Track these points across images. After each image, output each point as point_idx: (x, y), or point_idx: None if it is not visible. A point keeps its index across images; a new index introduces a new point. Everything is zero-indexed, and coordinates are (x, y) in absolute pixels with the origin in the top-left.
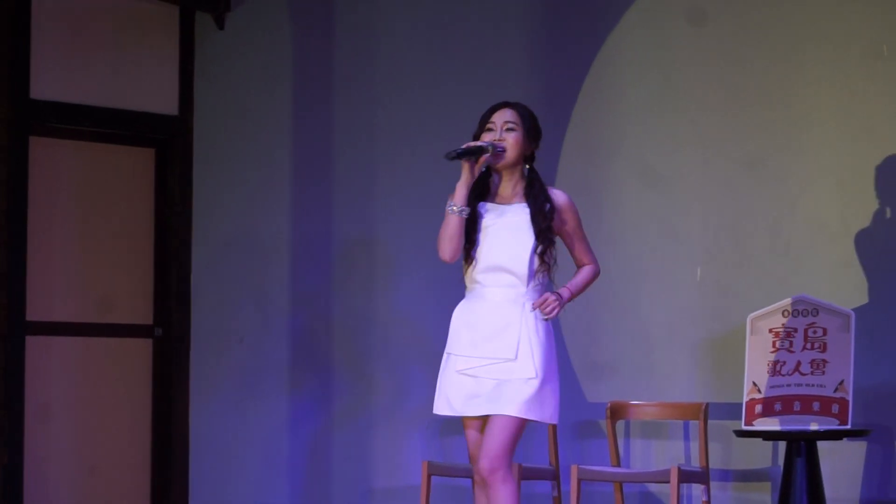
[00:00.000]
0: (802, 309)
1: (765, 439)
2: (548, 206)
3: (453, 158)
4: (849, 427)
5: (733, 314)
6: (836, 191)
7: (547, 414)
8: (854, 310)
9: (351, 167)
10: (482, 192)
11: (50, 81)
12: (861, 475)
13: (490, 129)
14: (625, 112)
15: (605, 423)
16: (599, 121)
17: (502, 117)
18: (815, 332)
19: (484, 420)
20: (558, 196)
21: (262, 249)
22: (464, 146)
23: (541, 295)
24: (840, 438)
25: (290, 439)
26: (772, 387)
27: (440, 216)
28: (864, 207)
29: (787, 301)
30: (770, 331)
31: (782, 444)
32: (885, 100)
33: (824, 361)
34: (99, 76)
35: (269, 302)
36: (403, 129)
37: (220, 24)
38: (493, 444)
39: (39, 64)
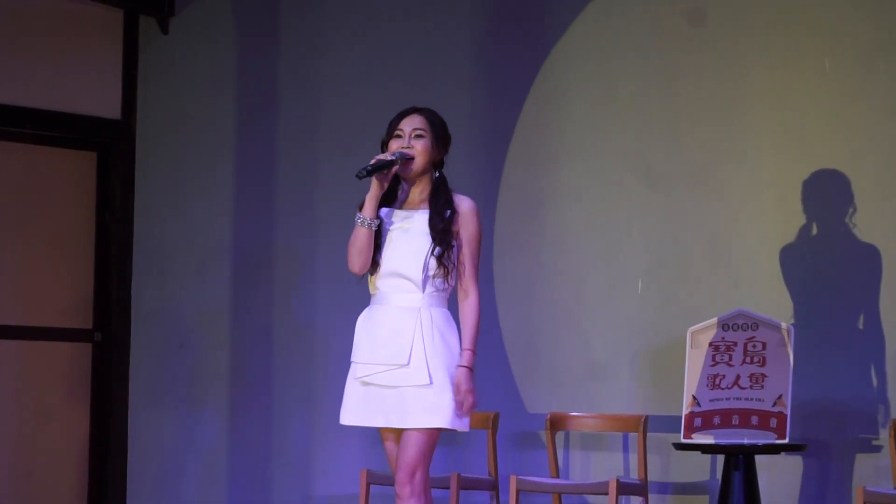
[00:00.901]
0: (742, 323)
1: (703, 452)
2: (448, 211)
3: (364, 177)
4: (787, 441)
5: (673, 327)
6: (776, 205)
7: (458, 421)
8: (793, 324)
9: (294, 173)
10: (389, 198)
11: None
12: (798, 489)
13: (398, 136)
14: (569, 123)
15: (544, 434)
16: (544, 131)
17: (411, 124)
18: (754, 346)
19: (398, 431)
20: (462, 202)
21: (203, 255)
22: (372, 162)
23: (439, 300)
24: (778, 452)
25: (230, 446)
26: (711, 400)
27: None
28: (803, 222)
29: (727, 315)
30: (710, 344)
31: (721, 458)
32: (825, 116)
33: (763, 375)
34: (41, 78)
35: (209, 308)
36: (347, 135)
37: (164, 29)
38: (405, 458)
39: None
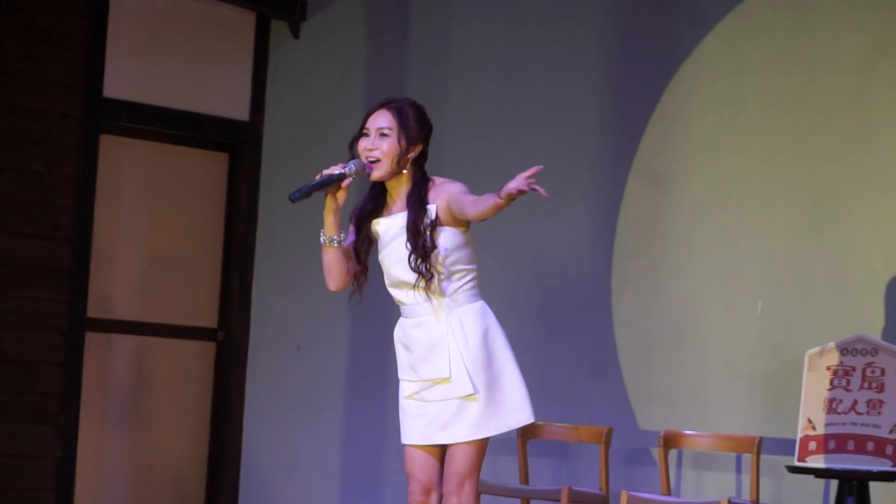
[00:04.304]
0: (861, 348)
1: (817, 477)
2: (422, 210)
3: (297, 201)
4: None
5: (791, 349)
6: None
7: (512, 420)
8: None
9: None
10: (378, 207)
11: (124, 81)
12: None
13: (365, 135)
14: (693, 143)
15: (656, 451)
16: (667, 150)
17: (376, 123)
18: (873, 372)
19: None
20: (437, 191)
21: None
22: (315, 181)
23: (468, 296)
24: (893, 480)
25: (343, 450)
26: (827, 424)
27: (505, 228)
28: None
29: (847, 339)
30: (828, 368)
31: (834, 483)
32: None
33: (881, 402)
34: (172, 78)
35: (328, 311)
36: (474, 145)
37: (296, 33)
38: (452, 469)
39: (114, 63)
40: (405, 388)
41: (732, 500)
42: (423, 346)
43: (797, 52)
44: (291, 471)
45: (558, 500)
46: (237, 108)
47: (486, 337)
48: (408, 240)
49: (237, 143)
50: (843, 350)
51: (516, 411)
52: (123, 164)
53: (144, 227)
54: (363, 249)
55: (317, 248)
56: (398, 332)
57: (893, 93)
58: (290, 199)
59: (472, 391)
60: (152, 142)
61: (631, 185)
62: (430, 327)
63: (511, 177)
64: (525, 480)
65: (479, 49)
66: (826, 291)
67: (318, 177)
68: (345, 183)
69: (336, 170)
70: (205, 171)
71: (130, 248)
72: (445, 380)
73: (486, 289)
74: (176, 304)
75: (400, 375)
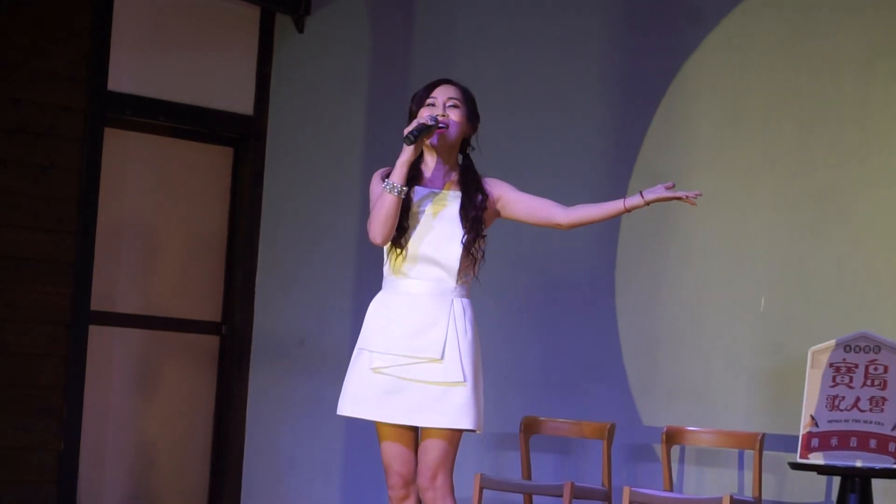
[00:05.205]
0: (864, 345)
1: (819, 473)
2: (480, 196)
3: (412, 142)
4: None
5: (795, 346)
6: None
7: (479, 422)
8: None
9: None
10: (412, 175)
11: (128, 74)
12: None
13: (431, 105)
14: (697, 139)
15: (659, 448)
16: (671, 146)
17: (445, 93)
18: (875, 369)
19: (404, 428)
20: (491, 183)
21: (327, 254)
22: (417, 123)
23: (466, 290)
24: (895, 477)
25: (347, 445)
26: (829, 421)
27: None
28: None
29: (849, 336)
30: (831, 365)
31: (837, 480)
32: None
33: (883, 399)
34: (176, 72)
35: (331, 306)
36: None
37: (300, 28)
38: (426, 460)
39: (118, 56)
40: (374, 360)
41: (735, 497)
42: (417, 322)
43: (799, 50)
44: (294, 465)
45: (561, 496)
46: (241, 102)
47: (476, 335)
48: (465, 221)
49: (241, 137)
50: (846, 347)
51: (482, 416)
52: (127, 158)
53: (148, 220)
54: (402, 213)
55: (319, 244)
56: (380, 303)
57: (892, 91)
58: (405, 141)
59: (461, 378)
60: (156, 136)
61: (634, 183)
62: (432, 305)
63: (513, 172)
64: (528, 476)
65: (483, 44)
66: (828, 289)
67: (415, 124)
68: (426, 137)
69: (427, 120)
70: (209, 165)
71: (134, 241)
72: (435, 360)
73: (490, 285)
74: (179, 298)
75: (370, 346)
